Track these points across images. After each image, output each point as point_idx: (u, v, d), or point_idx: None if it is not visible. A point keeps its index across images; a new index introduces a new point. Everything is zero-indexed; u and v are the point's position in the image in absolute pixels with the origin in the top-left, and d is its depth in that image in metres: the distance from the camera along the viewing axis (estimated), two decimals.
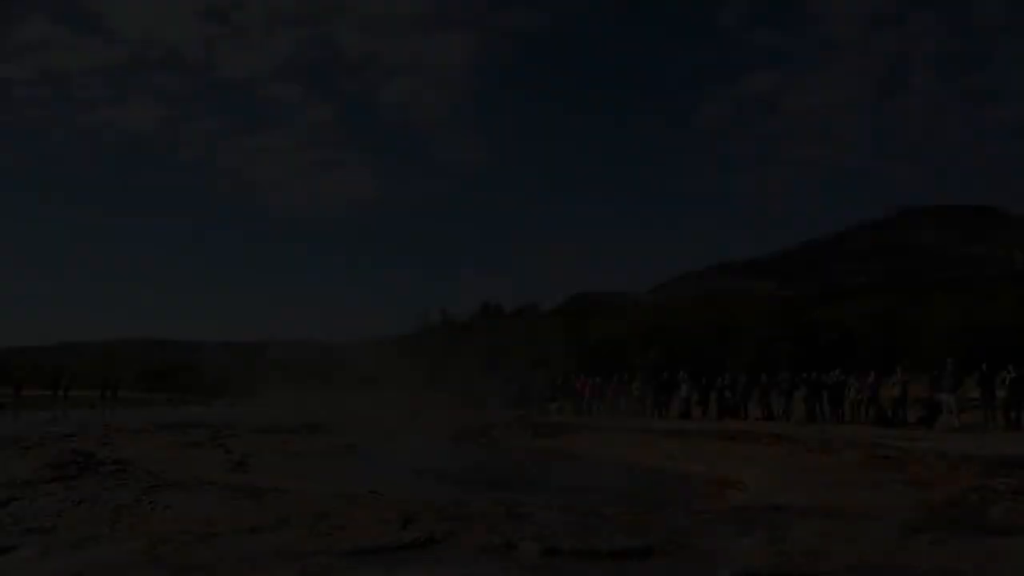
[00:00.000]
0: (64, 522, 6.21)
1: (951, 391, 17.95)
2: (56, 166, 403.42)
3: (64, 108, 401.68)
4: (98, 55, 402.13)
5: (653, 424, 20.72)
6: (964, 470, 10.04)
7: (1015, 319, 51.86)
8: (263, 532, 5.87)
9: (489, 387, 30.84)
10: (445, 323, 74.51)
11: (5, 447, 11.84)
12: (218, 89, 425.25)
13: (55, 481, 8.10)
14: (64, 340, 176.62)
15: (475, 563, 5.04)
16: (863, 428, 18.23)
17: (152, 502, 6.90)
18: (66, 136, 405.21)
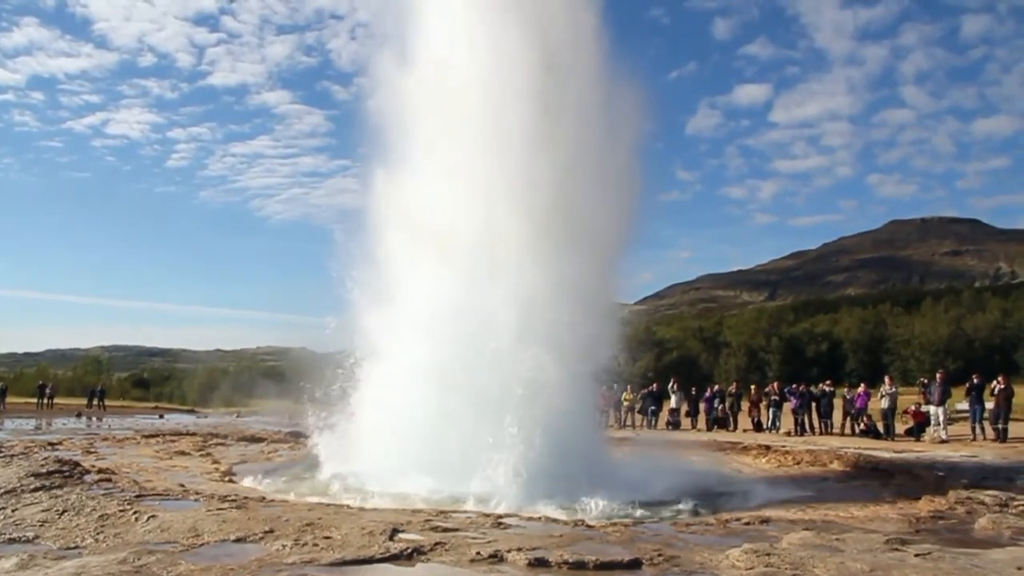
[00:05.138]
0: (48, 532, 6.15)
1: (939, 403, 18.02)
2: (45, 172, 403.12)
3: (54, 114, 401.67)
4: (88, 61, 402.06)
5: (642, 434, 20.71)
6: (951, 482, 10.09)
7: (1001, 330, 52.35)
8: (249, 542, 5.83)
9: None
10: None
11: None
12: (209, 96, 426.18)
13: (39, 490, 8.01)
14: (52, 347, 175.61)
15: (462, 575, 5.03)
16: (852, 440, 18.29)
17: (137, 512, 6.84)
18: (56, 142, 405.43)
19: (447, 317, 10.87)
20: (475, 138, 11.67)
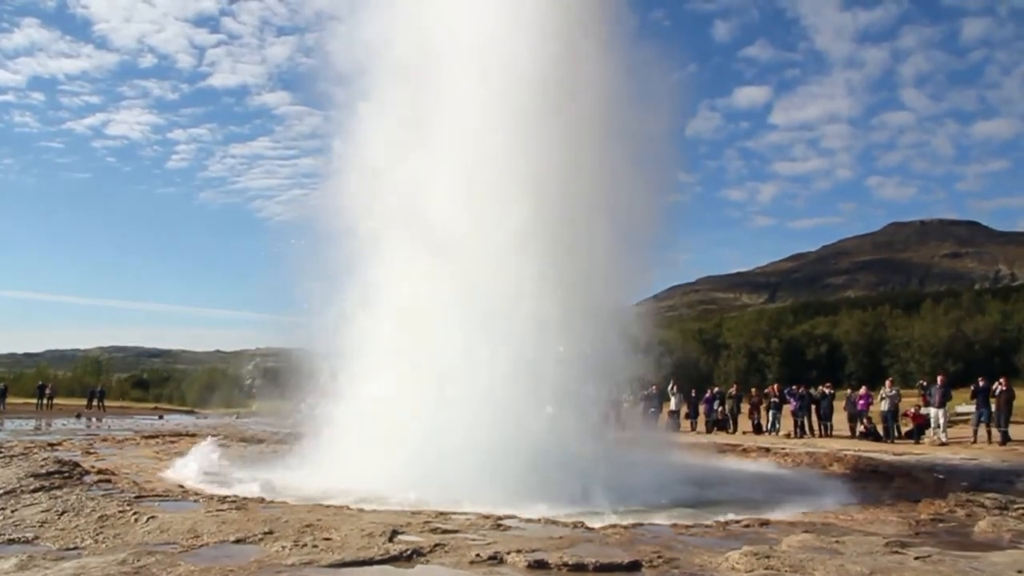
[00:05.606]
0: (47, 532, 6.14)
1: (939, 405, 18.00)
2: (45, 173, 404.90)
3: (54, 115, 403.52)
4: (89, 62, 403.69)
5: (642, 437, 20.63)
6: (951, 485, 10.09)
7: (1001, 333, 52.29)
8: (248, 544, 5.83)
9: None
10: None
11: None
12: (209, 97, 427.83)
13: (39, 491, 8.02)
14: (52, 348, 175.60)
15: None
16: (851, 442, 18.28)
17: (137, 513, 6.83)
18: (56, 143, 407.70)
19: (416, 336, 9.95)
20: (463, 108, 10.51)
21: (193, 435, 19.18)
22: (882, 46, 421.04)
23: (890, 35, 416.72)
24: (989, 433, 17.40)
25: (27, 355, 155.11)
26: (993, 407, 17.51)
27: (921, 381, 22.55)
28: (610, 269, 11.05)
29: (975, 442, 17.13)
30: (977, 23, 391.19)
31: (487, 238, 10.26)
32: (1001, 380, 17.71)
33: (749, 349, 58.24)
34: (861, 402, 20.08)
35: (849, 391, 21.48)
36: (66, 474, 9.46)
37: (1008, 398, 17.18)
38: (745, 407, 23.36)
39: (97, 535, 6.05)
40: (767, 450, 15.66)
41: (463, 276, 10.29)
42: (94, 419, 29.13)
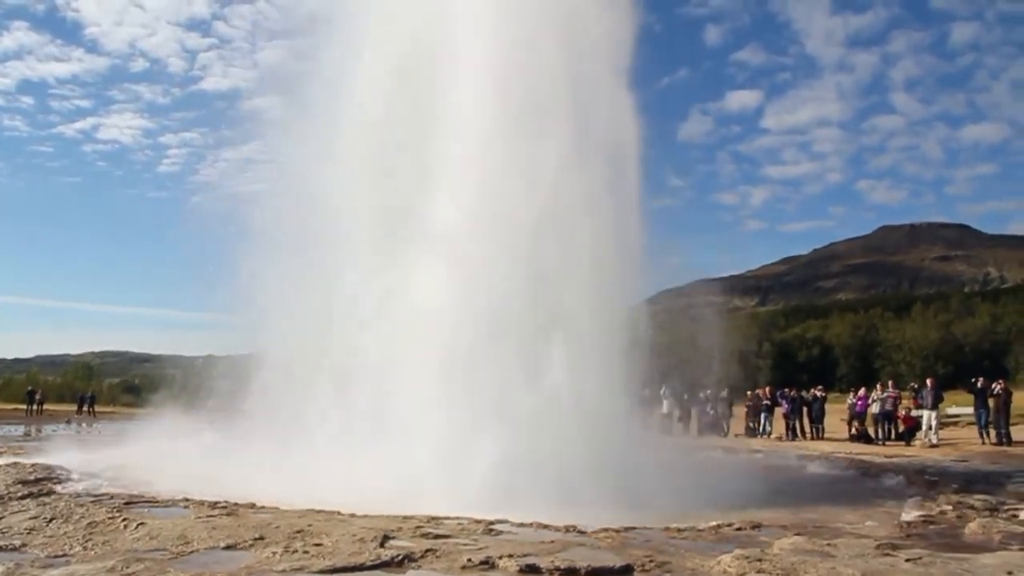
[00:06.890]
0: (35, 540, 6.09)
1: (931, 408, 18.05)
2: (36, 177, 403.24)
3: (44, 119, 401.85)
4: (79, 66, 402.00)
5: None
6: (942, 486, 10.13)
7: (991, 335, 52.61)
8: (239, 550, 5.80)
9: None
10: None
11: None
12: (200, 101, 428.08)
13: (27, 497, 7.96)
14: (42, 353, 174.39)
15: None
16: (843, 444, 18.32)
17: (126, 519, 6.78)
18: (46, 147, 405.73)
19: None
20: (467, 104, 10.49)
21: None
22: (872, 50, 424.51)
23: (880, 39, 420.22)
24: (983, 434, 17.46)
25: (17, 360, 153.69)
26: (991, 407, 17.56)
27: (912, 384, 22.64)
28: (626, 266, 11.03)
29: (984, 443, 17.07)
30: (966, 27, 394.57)
31: (498, 234, 10.06)
32: (1000, 381, 17.80)
33: (741, 352, 58.44)
34: (859, 403, 20.14)
35: (852, 394, 21.54)
36: (55, 480, 9.39)
37: (1006, 400, 17.24)
38: (737, 410, 23.40)
39: (86, 542, 6.00)
40: (759, 453, 15.69)
41: (469, 274, 10.06)
42: (84, 425, 28.95)
